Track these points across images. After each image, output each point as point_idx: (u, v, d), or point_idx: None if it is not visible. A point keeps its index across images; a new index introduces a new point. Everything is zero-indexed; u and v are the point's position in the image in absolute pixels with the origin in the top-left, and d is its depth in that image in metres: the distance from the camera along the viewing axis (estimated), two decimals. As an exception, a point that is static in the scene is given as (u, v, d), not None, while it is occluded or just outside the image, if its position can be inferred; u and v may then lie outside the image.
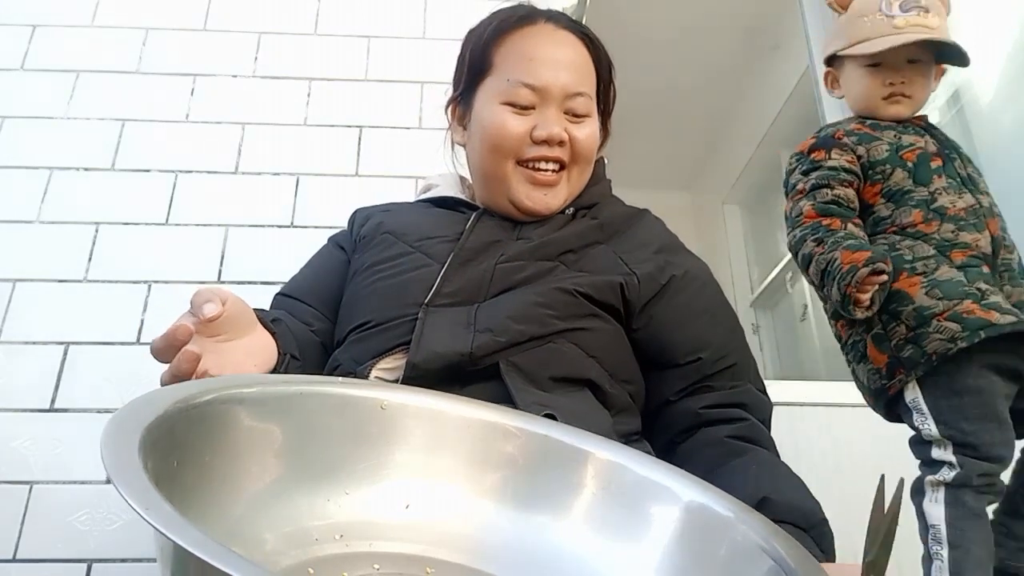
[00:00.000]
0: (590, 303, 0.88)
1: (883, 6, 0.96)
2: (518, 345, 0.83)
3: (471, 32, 1.08)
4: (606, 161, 1.13)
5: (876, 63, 0.98)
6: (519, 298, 0.87)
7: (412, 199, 1.18)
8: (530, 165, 0.98)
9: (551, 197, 0.99)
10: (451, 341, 0.83)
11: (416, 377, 0.81)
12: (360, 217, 1.10)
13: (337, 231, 1.15)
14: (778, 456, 0.88)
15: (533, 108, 0.99)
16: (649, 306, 0.91)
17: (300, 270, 1.08)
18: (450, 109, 1.10)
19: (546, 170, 0.99)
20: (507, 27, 1.04)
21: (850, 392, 1.60)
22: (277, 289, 1.07)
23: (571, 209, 1.03)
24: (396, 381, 0.83)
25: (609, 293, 0.89)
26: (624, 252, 0.95)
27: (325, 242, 1.13)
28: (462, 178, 1.14)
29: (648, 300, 0.91)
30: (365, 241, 1.03)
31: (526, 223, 1.00)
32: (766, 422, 0.91)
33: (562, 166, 0.99)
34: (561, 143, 0.98)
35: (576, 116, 1.00)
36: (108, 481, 1.30)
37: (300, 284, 1.04)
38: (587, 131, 1.01)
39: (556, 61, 1.00)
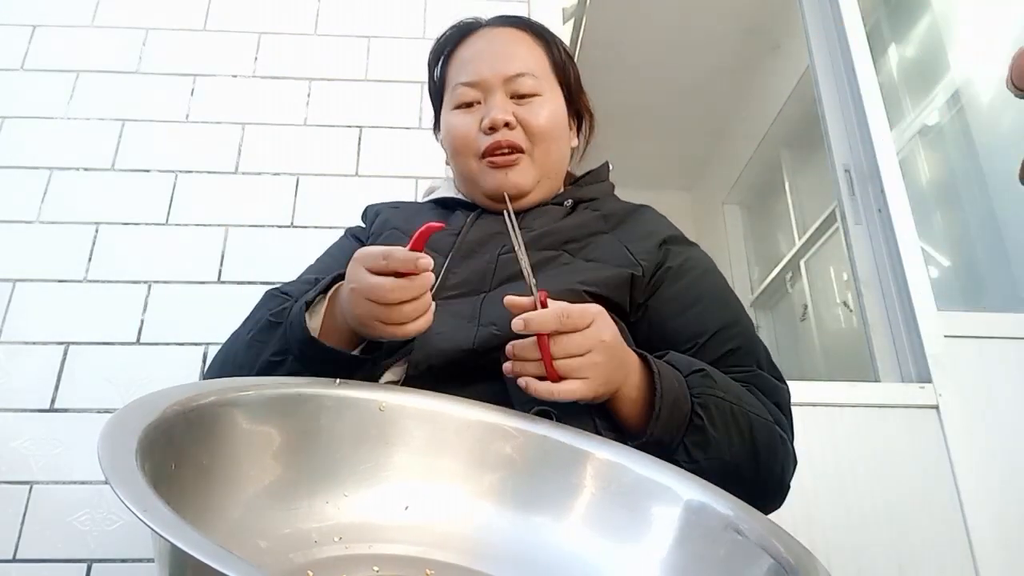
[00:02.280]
0: (599, 303, 0.88)
1: None
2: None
3: (428, 62, 1.13)
4: (611, 165, 1.13)
5: None
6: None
7: (413, 199, 1.19)
8: (489, 156, 0.99)
9: (515, 175, 0.99)
10: (454, 336, 0.83)
11: (418, 376, 0.81)
12: (371, 213, 1.11)
13: (338, 231, 1.15)
14: (772, 416, 0.85)
15: (479, 103, 1.01)
16: (648, 299, 0.91)
17: (318, 258, 1.08)
18: (436, 134, 1.14)
19: (503, 153, 0.99)
20: (452, 44, 1.08)
21: (850, 392, 1.61)
22: (277, 290, 1.07)
23: (570, 201, 1.03)
24: (399, 380, 0.83)
25: (617, 291, 0.89)
26: (630, 242, 0.95)
27: (327, 240, 1.13)
28: None
29: (649, 295, 0.91)
30: (375, 236, 1.05)
31: (525, 214, 1.01)
32: (781, 406, 0.88)
33: (520, 150, 0.99)
34: (508, 125, 0.98)
35: (523, 97, 1.01)
36: (108, 481, 1.30)
37: (321, 270, 1.04)
38: (540, 109, 1.01)
39: (491, 54, 1.03)
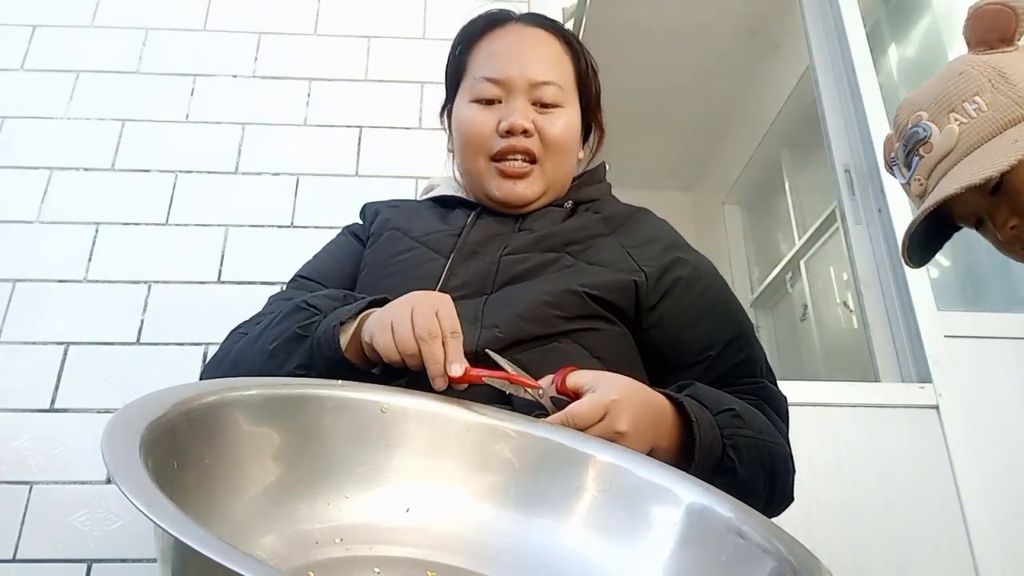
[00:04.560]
0: (599, 305, 0.88)
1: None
2: (522, 344, 0.83)
3: (452, 43, 1.10)
4: (607, 166, 1.13)
5: None
6: (529, 296, 0.87)
7: (415, 198, 1.18)
8: (499, 159, 0.99)
9: (522, 187, 0.99)
10: None
11: (421, 377, 0.81)
12: (370, 212, 1.10)
13: (338, 231, 1.15)
14: (781, 434, 0.87)
15: (499, 102, 1.00)
16: (658, 307, 0.91)
17: (316, 255, 1.08)
18: (443, 119, 1.12)
19: (514, 160, 0.98)
20: (479, 32, 1.06)
21: (850, 392, 1.61)
22: (277, 289, 1.07)
23: (569, 203, 1.03)
24: (403, 383, 0.83)
25: (619, 294, 0.89)
26: (632, 247, 0.95)
27: (327, 240, 1.13)
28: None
29: (657, 301, 0.91)
30: (374, 237, 1.04)
31: (526, 216, 1.00)
32: (782, 416, 0.91)
33: (533, 158, 0.99)
34: (526, 132, 0.97)
35: (544, 106, 1.00)
36: (108, 481, 1.31)
37: (319, 268, 1.04)
38: (557, 121, 1.00)
39: (520, 54, 1.01)
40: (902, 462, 1.51)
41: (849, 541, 1.44)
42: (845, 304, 2.75)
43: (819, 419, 1.54)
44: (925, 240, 0.92)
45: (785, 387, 0.97)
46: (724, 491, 0.71)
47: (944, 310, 1.66)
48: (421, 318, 0.73)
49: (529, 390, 0.74)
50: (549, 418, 0.71)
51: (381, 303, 0.82)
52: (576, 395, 0.74)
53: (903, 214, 1.77)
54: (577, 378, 0.75)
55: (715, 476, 0.75)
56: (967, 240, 2.15)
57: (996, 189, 0.82)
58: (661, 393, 0.79)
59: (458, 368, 0.72)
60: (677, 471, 0.65)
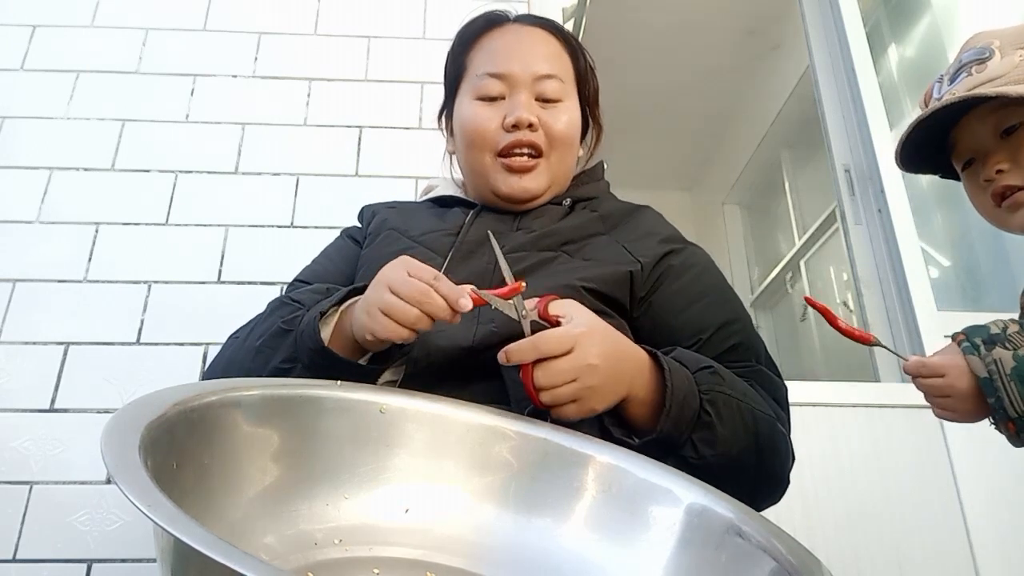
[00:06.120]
0: (597, 299, 0.88)
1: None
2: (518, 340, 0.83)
3: (451, 44, 1.11)
4: (606, 165, 1.13)
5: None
6: (526, 292, 0.87)
7: (414, 199, 1.18)
8: (506, 155, 0.99)
9: (528, 181, 0.99)
10: (453, 334, 0.83)
11: (417, 374, 0.81)
12: (367, 213, 1.11)
13: (337, 231, 1.15)
14: (775, 414, 0.86)
15: (503, 98, 1.00)
16: (648, 295, 0.92)
17: (314, 259, 1.08)
18: (442, 121, 1.13)
19: (520, 155, 0.99)
20: (477, 32, 1.07)
21: (850, 392, 1.61)
22: (277, 289, 1.07)
23: (568, 201, 1.03)
24: (398, 380, 0.83)
25: (616, 287, 0.89)
26: (628, 242, 0.96)
27: (327, 240, 1.13)
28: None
29: (649, 289, 0.92)
30: (372, 237, 1.04)
31: (524, 215, 1.01)
32: (780, 402, 0.90)
33: (539, 152, 0.99)
34: (531, 126, 0.98)
35: (548, 100, 1.01)
36: (108, 481, 1.31)
37: (316, 271, 1.04)
38: (561, 115, 1.01)
39: (521, 50, 1.02)
40: (902, 462, 1.51)
41: (849, 541, 1.44)
42: (845, 304, 2.75)
43: (819, 419, 1.54)
44: (919, 159, 0.93)
45: (785, 387, 0.97)
46: (706, 449, 0.72)
47: (944, 310, 1.66)
48: (401, 286, 0.72)
49: (512, 302, 0.74)
50: (518, 343, 0.71)
51: (361, 291, 0.82)
52: (556, 323, 0.74)
53: (903, 214, 1.77)
54: (558, 307, 0.75)
55: (694, 431, 0.75)
56: (967, 240, 2.16)
57: (1009, 132, 0.82)
58: (640, 347, 0.79)
59: (466, 301, 0.72)
60: (677, 471, 0.65)
